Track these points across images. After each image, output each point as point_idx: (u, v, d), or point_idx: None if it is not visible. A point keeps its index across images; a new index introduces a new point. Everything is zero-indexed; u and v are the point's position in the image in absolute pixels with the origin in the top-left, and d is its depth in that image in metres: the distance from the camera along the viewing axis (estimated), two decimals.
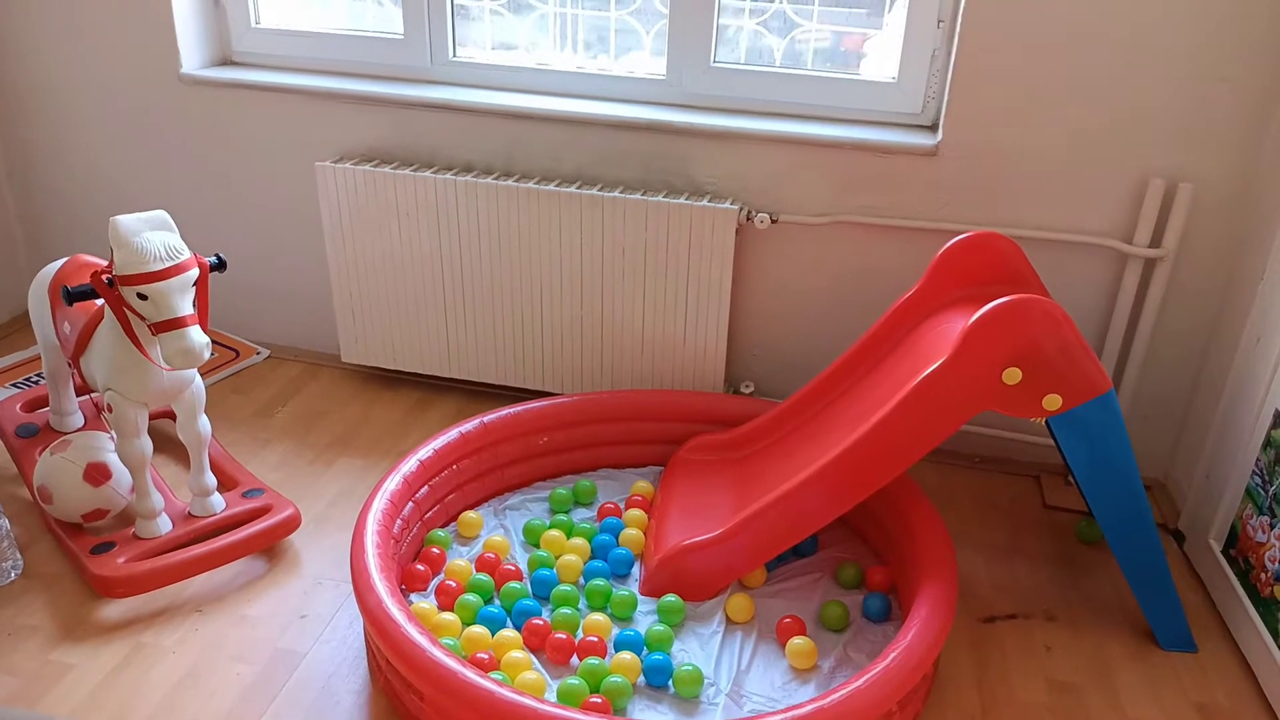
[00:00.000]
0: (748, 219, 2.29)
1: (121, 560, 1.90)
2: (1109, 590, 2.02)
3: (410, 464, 1.98)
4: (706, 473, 2.13)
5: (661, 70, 2.38)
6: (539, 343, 2.48)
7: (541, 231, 2.35)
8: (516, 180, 2.36)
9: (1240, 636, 1.87)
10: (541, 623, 1.78)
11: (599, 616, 1.80)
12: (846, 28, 2.32)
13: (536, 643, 1.76)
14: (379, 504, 1.86)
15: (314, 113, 2.51)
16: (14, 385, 2.59)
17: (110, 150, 2.71)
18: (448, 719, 1.53)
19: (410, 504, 1.96)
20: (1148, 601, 1.85)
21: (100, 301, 1.89)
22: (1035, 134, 2.12)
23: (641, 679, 1.71)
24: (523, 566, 1.97)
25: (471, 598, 1.84)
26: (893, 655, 1.55)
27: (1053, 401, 1.69)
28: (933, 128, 2.25)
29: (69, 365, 2.12)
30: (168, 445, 2.34)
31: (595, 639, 1.75)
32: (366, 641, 1.78)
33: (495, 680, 1.49)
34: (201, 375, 2.01)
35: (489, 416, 2.15)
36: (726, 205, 2.26)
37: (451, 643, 1.71)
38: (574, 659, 1.74)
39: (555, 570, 1.93)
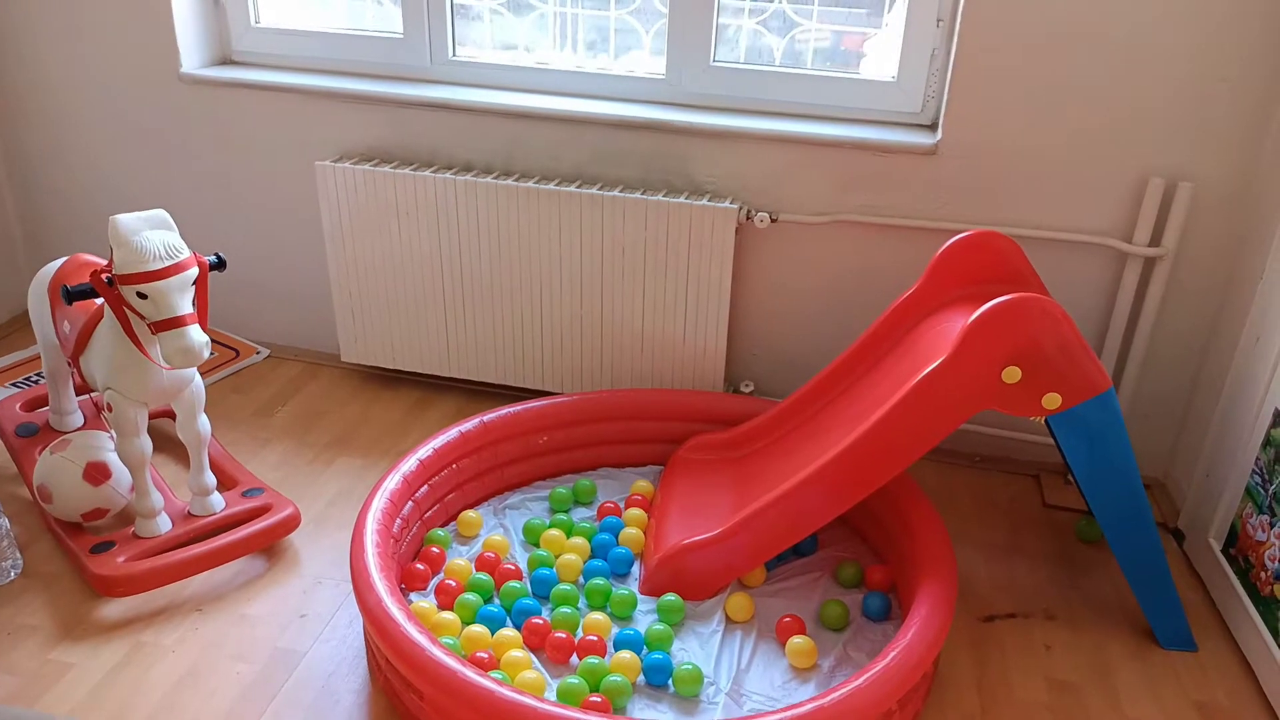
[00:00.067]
0: (747, 218, 2.29)
1: (121, 559, 1.90)
2: (1109, 589, 2.02)
3: (410, 463, 1.98)
4: (706, 472, 2.13)
5: (661, 69, 2.38)
6: (539, 342, 2.48)
7: (541, 231, 2.35)
8: (516, 179, 2.36)
9: (1240, 635, 1.87)
10: (541, 622, 1.78)
11: (599, 616, 1.80)
12: (846, 27, 2.32)
13: (536, 642, 1.76)
14: (378, 503, 1.86)
15: (314, 112, 2.51)
16: (14, 385, 2.59)
17: (110, 150, 2.71)
18: (447, 718, 1.53)
19: (410, 503, 1.96)
20: (1147, 600, 1.85)
21: (100, 301, 1.89)
22: (1035, 133, 2.12)
23: (641, 678, 1.71)
24: (522, 566, 1.97)
25: (471, 597, 1.84)
26: (892, 654, 1.55)
27: (1052, 400, 1.69)
28: (932, 127, 2.25)
29: (69, 364, 2.12)
30: (167, 444, 2.34)
31: (595, 638, 1.75)
32: (366, 641, 1.78)
33: (495, 679, 1.49)
34: (201, 374, 2.01)
35: (489, 416, 2.15)
36: (726, 204, 2.26)
37: (451, 642, 1.71)
38: (574, 658, 1.74)
39: (555, 569, 1.93)
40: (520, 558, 2.00)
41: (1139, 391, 2.28)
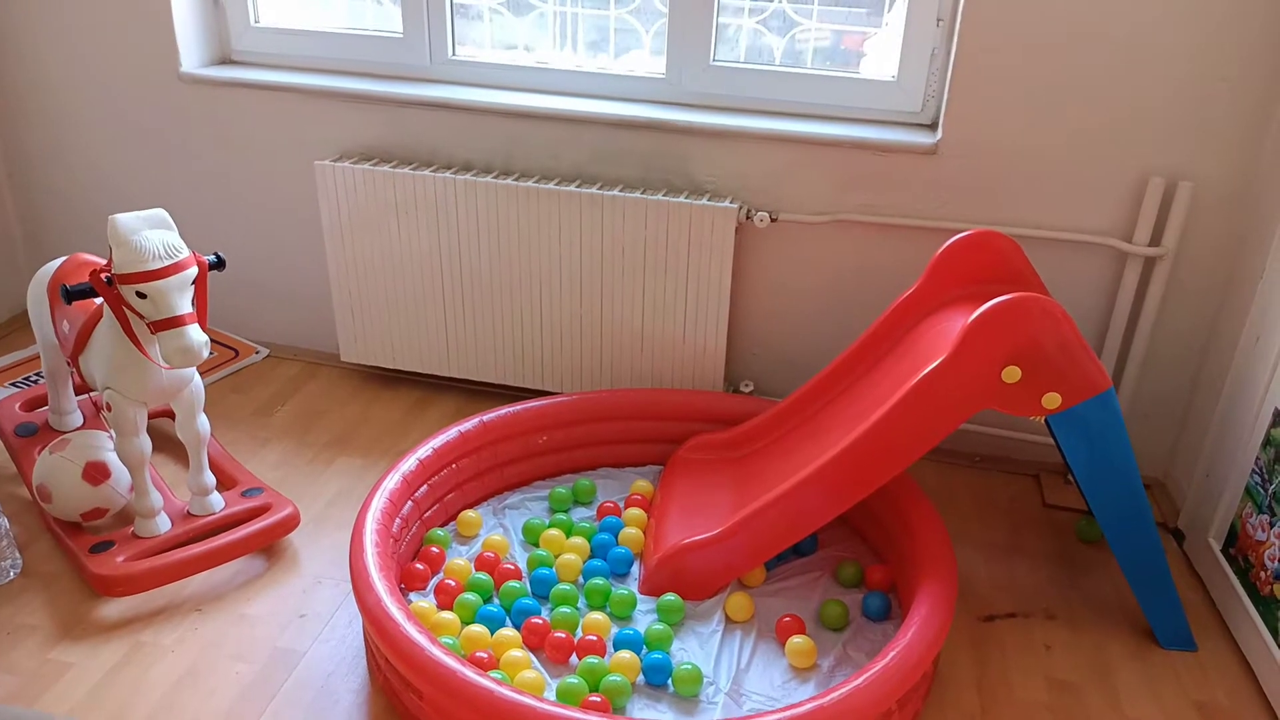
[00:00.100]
0: (747, 217, 2.29)
1: (120, 559, 1.90)
2: (1109, 589, 2.02)
3: (409, 463, 1.98)
4: (706, 472, 2.13)
5: (661, 69, 2.38)
6: (538, 342, 2.48)
7: (541, 230, 2.35)
8: (516, 179, 2.36)
9: (1240, 635, 1.87)
10: (541, 622, 1.78)
11: (598, 615, 1.80)
12: (846, 26, 2.32)
13: (536, 642, 1.76)
14: (378, 503, 1.85)
15: (313, 111, 2.50)
16: (13, 384, 2.58)
17: (109, 149, 2.71)
18: (447, 718, 1.53)
19: (409, 503, 1.96)
20: (1147, 600, 1.85)
21: (99, 300, 1.89)
22: (1035, 132, 2.12)
23: (641, 678, 1.70)
24: (522, 565, 1.97)
25: (471, 597, 1.83)
26: (892, 654, 1.55)
27: (1052, 400, 1.69)
28: (932, 126, 2.25)
29: (68, 364, 2.12)
30: (167, 444, 2.34)
31: (594, 638, 1.75)
32: (365, 640, 1.78)
33: (494, 679, 1.48)
34: (200, 374, 2.01)
35: (488, 415, 2.15)
36: (726, 204, 2.26)
37: (451, 642, 1.71)
38: (573, 658, 1.74)
39: (554, 569, 1.92)
40: (520, 557, 2.00)
41: (1139, 391, 2.27)
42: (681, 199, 2.28)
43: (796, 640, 1.75)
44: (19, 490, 2.18)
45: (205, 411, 2.01)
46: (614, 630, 1.79)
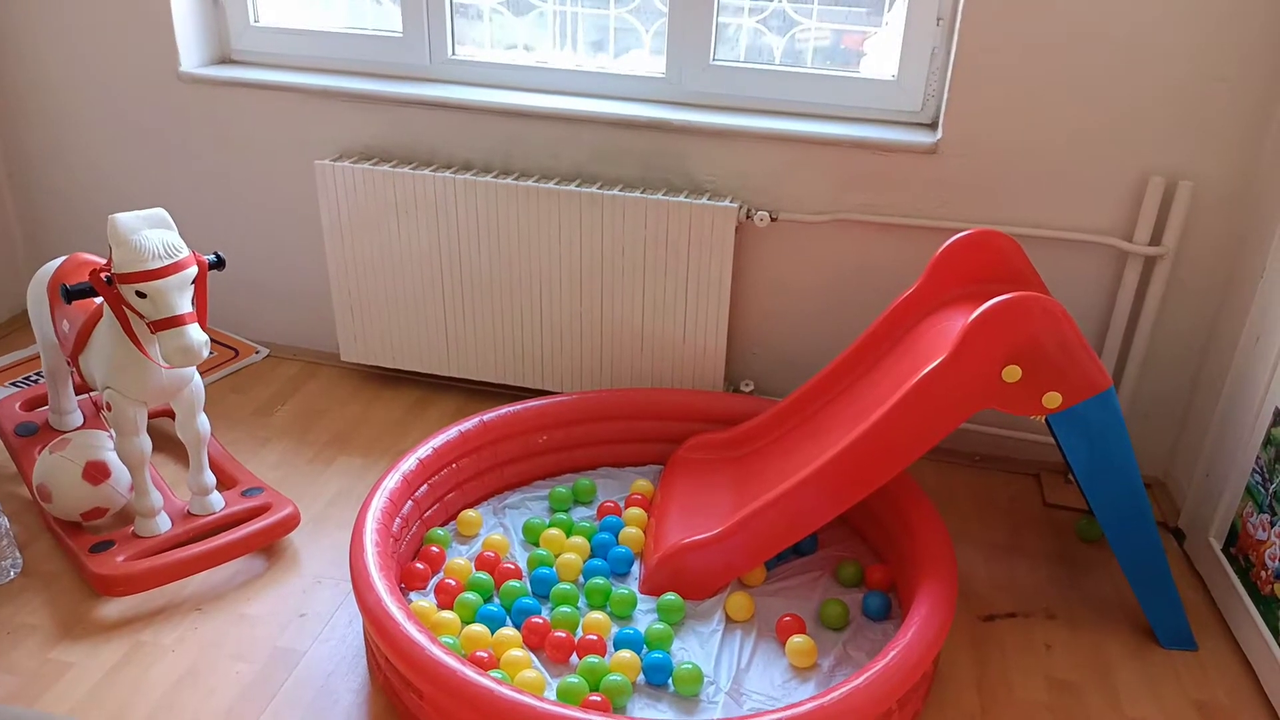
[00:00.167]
0: (747, 217, 2.29)
1: (120, 559, 1.89)
2: (1109, 588, 2.02)
3: (409, 462, 1.98)
4: (706, 471, 2.13)
5: (661, 68, 2.38)
6: (538, 341, 2.48)
7: (541, 229, 2.35)
8: (516, 178, 2.36)
9: (1240, 634, 1.87)
10: (541, 621, 1.78)
11: (598, 615, 1.80)
12: (846, 26, 2.32)
13: (536, 641, 1.76)
14: (378, 502, 1.85)
15: (313, 111, 2.50)
16: (13, 384, 2.58)
17: (109, 149, 2.71)
18: (447, 718, 1.53)
19: (410, 502, 1.96)
20: (1148, 599, 1.85)
21: (99, 300, 1.89)
22: (1035, 132, 2.12)
23: (641, 677, 1.70)
24: (522, 565, 1.97)
25: (471, 596, 1.83)
26: (892, 653, 1.55)
27: (1052, 399, 1.69)
28: (932, 125, 2.25)
29: (68, 364, 2.12)
30: (167, 444, 2.34)
31: (595, 637, 1.75)
32: (366, 640, 1.78)
33: (495, 679, 1.48)
34: (200, 374, 2.01)
35: (488, 415, 2.15)
36: (726, 203, 2.26)
37: (451, 641, 1.71)
38: (573, 657, 1.74)
39: (555, 569, 1.92)
40: (520, 557, 2.00)
41: (1139, 391, 2.27)
42: (681, 198, 2.27)
43: (797, 640, 1.75)
44: (19, 490, 2.18)
45: (205, 411, 2.01)
46: (614, 630, 1.79)
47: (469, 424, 2.11)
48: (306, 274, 2.70)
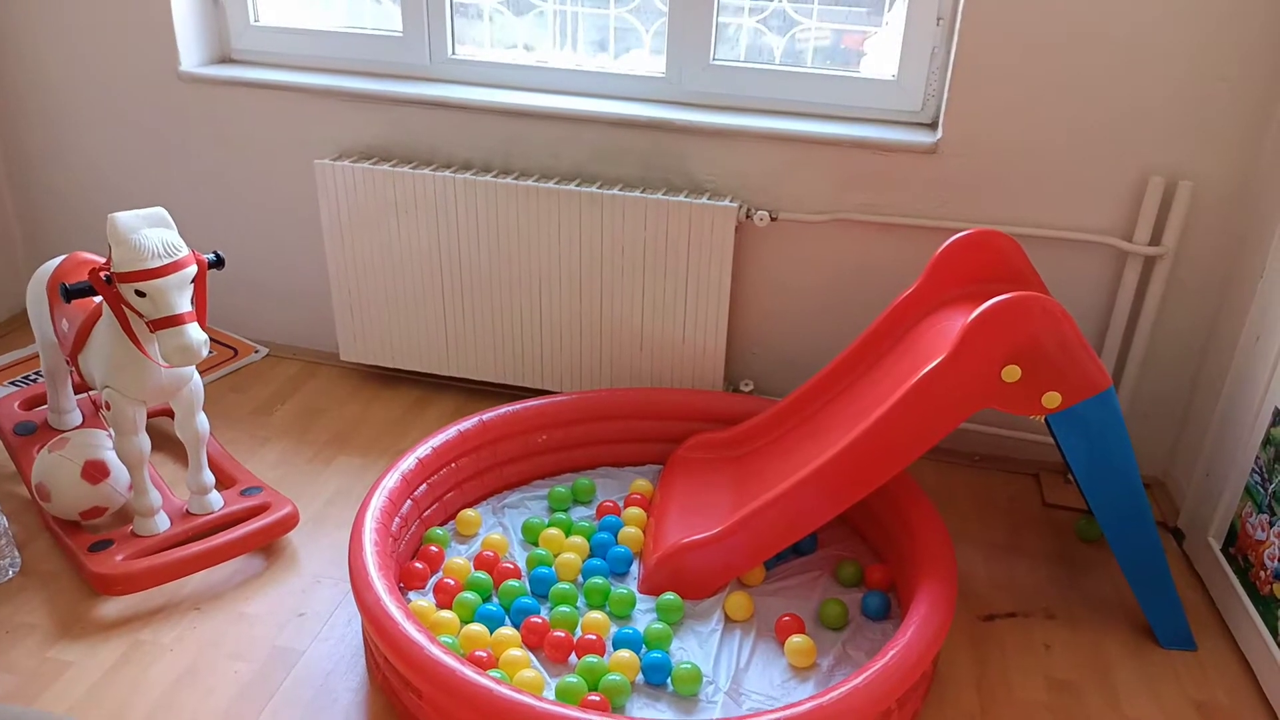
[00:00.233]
0: (747, 217, 2.29)
1: (119, 558, 1.89)
2: (1108, 588, 2.02)
3: (409, 462, 1.98)
4: (705, 471, 2.13)
5: (661, 68, 2.38)
6: (538, 341, 2.48)
7: (540, 229, 2.35)
8: (515, 178, 2.36)
9: (1239, 634, 1.87)
10: (540, 621, 1.78)
11: (597, 615, 1.80)
12: (846, 26, 2.32)
13: (535, 641, 1.76)
14: (377, 502, 1.85)
15: (313, 110, 2.50)
16: (12, 383, 2.58)
17: (109, 148, 2.71)
18: (446, 717, 1.53)
19: (409, 502, 1.95)
20: (1147, 599, 1.85)
21: (98, 299, 1.89)
22: (1035, 131, 2.12)
23: (640, 677, 1.70)
24: (521, 564, 1.96)
25: (470, 596, 1.83)
26: (892, 653, 1.55)
27: (1052, 399, 1.69)
28: (932, 125, 2.25)
29: (67, 363, 2.12)
30: (166, 443, 2.33)
31: (594, 637, 1.75)
32: (365, 639, 1.78)
33: (493, 678, 1.48)
34: (200, 373, 2.01)
35: (488, 414, 2.15)
36: (726, 203, 2.26)
37: (450, 641, 1.71)
38: (572, 657, 1.74)
39: (554, 568, 1.92)
40: (519, 556, 2.00)
41: (1139, 390, 2.27)
42: (681, 198, 2.27)
43: (796, 639, 1.75)
44: (18, 489, 2.18)
45: (204, 410, 2.01)
46: (613, 629, 1.79)
47: (468, 423, 2.11)
48: (306, 273, 2.70)
